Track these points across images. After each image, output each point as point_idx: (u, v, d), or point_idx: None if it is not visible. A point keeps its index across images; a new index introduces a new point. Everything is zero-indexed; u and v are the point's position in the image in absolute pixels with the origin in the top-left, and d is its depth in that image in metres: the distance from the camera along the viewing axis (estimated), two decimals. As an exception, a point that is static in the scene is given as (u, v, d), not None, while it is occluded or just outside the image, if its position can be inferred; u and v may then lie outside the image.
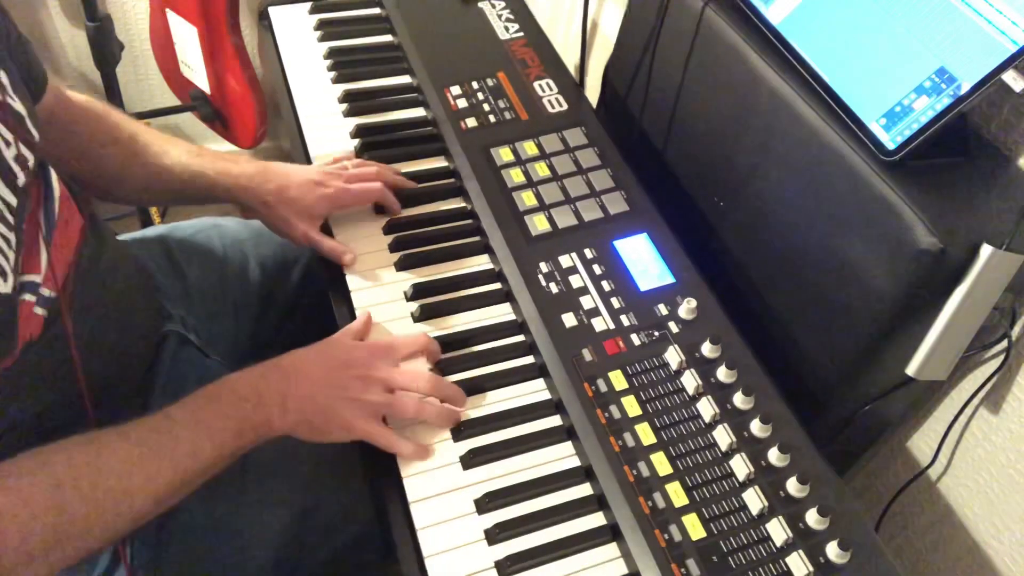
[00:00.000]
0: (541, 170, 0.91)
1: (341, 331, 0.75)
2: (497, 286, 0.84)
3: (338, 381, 0.69)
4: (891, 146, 0.71)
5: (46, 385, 0.65)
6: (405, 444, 0.69)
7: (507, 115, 0.97)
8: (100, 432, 0.61)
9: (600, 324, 0.76)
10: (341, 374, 0.69)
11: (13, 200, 0.59)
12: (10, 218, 0.59)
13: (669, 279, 0.80)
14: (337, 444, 0.81)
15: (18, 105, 0.63)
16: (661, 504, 0.65)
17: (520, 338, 0.80)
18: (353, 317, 0.80)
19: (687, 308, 0.76)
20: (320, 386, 0.69)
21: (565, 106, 0.99)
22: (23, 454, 0.57)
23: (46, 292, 0.64)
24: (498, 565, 0.64)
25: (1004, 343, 0.76)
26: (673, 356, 0.74)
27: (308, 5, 1.16)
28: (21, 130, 0.62)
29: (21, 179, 0.61)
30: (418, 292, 0.82)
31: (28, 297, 0.62)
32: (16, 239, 0.59)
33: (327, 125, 1.00)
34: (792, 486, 0.65)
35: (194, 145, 0.86)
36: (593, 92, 1.22)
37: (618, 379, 0.72)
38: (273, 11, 1.15)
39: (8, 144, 0.60)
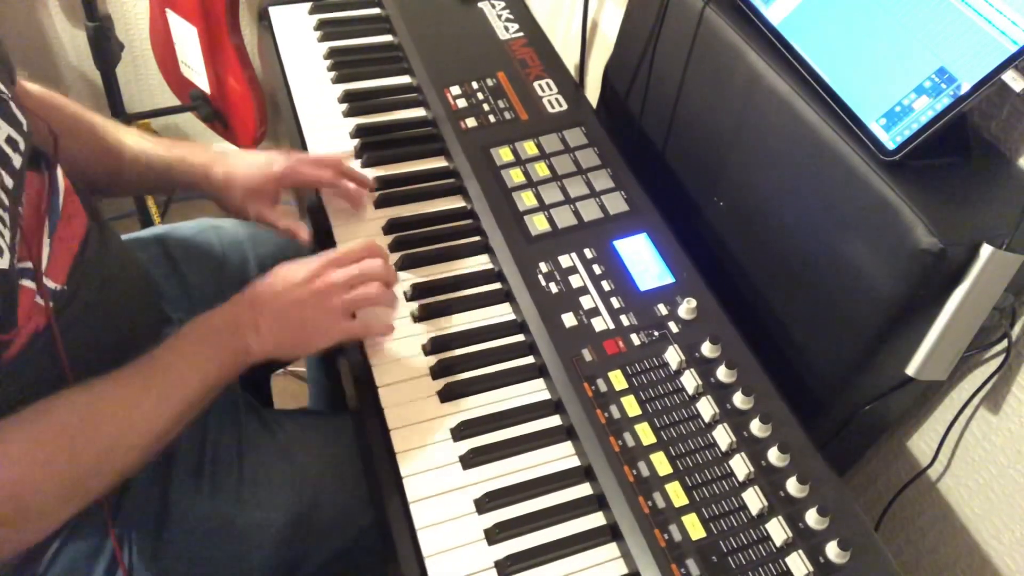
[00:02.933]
0: (541, 170, 0.91)
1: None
2: (497, 286, 0.84)
3: (303, 295, 0.73)
4: (891, 146, 0.71)
5: (49, 381, 0.65)
6: (378, 324, 0.76)
7: (507, 115, 0.97)
8: (90, 382, 0.63)
9: (600, 324, 0.76)
10: (303, 288, 0.73)
11: (10, 182, 0.60)
12: (5, 199, 0.60)
13: (669, 279, 0.80)
14: (335, 447, 0.82)
15: (2, 88, 0.64)
16: (661, 504, 0.65)
17: (520, 338, 0.80)
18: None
19: (687, 308, 0.76)
20: (288, 305, 0.72)
21: (565, 106, 0.99)
22: (25, 409, 0.59)
23: (49, 284, 0.65)
24: (498, 565, 0.64)
25: (1004, 343, 0.76)
26: (673, 356, 0.74)
27: (308, 5, 1.16)
28: (8, 113, 0.63)
29: (15, 161, 0.62)
30: (418, 292, 0.82)
31: (28, 284, 0.63)
32: (11, 219, 0.60)
33: (327, 125, 1.00)
34: (792, 486, 0.65)
35: (149, 134, 0.89)
36: (593, 92, 1.22)
37: (618, 379, 0.72)
38: (273, 11, 1.15)
39: None
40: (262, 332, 0.71)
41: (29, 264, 0.63)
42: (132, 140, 0.86)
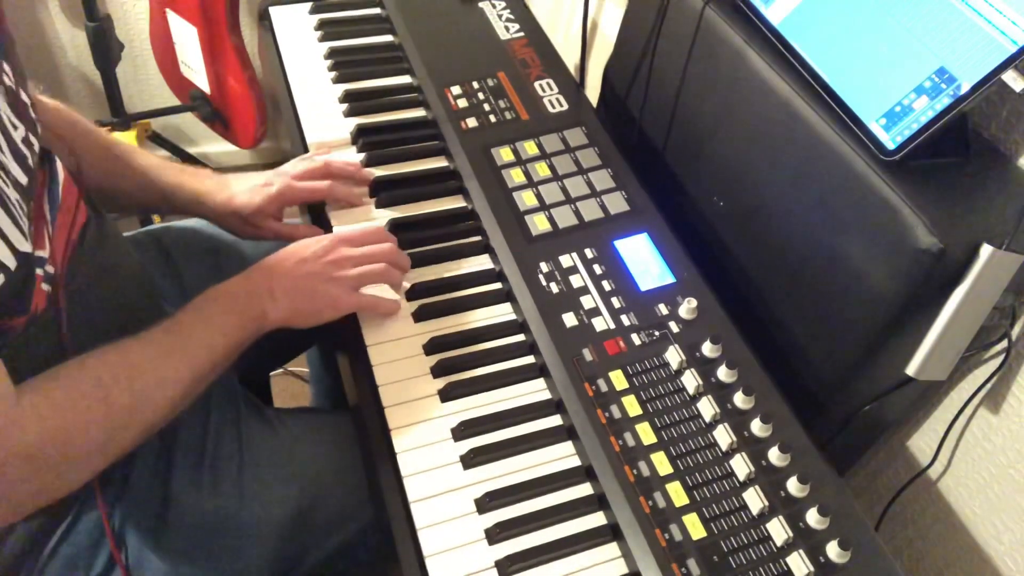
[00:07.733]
0: (541, 170, 0.91)
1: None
2: (497, 286, 0.84)
3: (314, 268, 0.77)
4: (891, 146, 0.71)
5: (49, 359, 0.66)
6: (384, 301, 0.79)
7: (507, 115, 0.97)
8: (120, 341, 0.66)
9: (600, 324, 0.76)
10: (315, 262, 0.77)
11: (24, 179, 0.62)
12: (23, 193, 0.62)
13: (669, 279, 0.80)
14: (336, 445, 0.82)
15: (23, 95, 0.66)
16: (661, 504, 0.65)
17: (520, 338, 0.80)
18: (352, 317, 0.80)
19: (687, 308, 0.76)
20: (300, 275, 0.76)
21: (565, 106, 0.99)
22: (59, 365, 0.62)
23: (50, 269, 0.66)
24: (498, 565, 0.64)
25: (1004, 343, 0.76)
26: (673, 356, 0.74)
27: (308, 5, 1.16)
28: (27, 116, 0.65)
29: (31, 160, 0.64)
30: (418, 292, 0.82)
31: (38, 271, 0.64)
32: (29, 211, 0.62)
33: (327, 125, 1.00)
34: (792, 486, 0.65)
35: (159, 159, 0.90)
36: (593, 92, 1.22)
37: (618, 379, 0.72)
38: (273, 11, 1.15)
39: (16, 127, 0.63)
40: (277, 299, 0.74)
41: (36, 252, 0.64)
42: (140, 161, 0.88)
